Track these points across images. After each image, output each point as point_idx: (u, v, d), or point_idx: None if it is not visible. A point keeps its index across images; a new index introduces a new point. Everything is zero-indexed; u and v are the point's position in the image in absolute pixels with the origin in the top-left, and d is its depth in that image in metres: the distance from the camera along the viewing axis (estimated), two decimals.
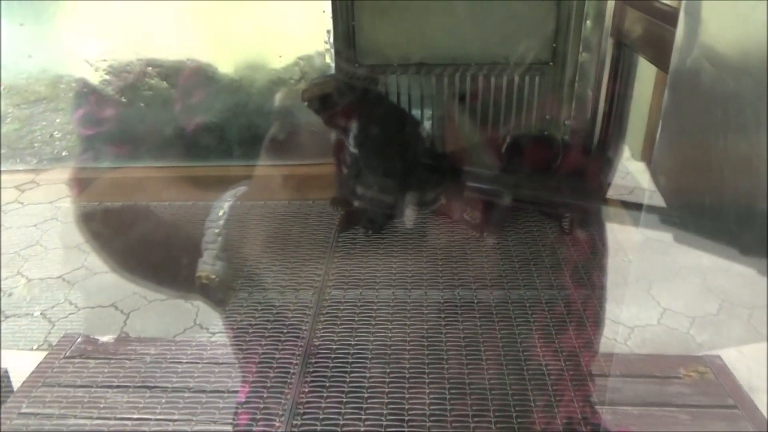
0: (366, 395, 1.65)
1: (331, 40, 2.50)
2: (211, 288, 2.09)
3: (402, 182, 2.38)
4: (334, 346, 1.83)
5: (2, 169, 2.93)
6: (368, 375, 1.72)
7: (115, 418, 1.64)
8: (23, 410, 1.68)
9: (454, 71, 2.67)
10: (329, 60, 2.53)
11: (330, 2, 2.44)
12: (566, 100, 2.70)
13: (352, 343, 1.85)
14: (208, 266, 2.10)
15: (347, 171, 2.41)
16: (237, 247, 2.36)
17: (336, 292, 2.09)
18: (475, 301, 2.02)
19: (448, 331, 1.88)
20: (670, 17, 1.80)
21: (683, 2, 1.50)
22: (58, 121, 2.73)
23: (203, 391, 1.72)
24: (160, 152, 2.70)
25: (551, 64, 2.68)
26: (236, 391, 1.71)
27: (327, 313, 1.99)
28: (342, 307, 2.01)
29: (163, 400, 1.69)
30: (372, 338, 1.87)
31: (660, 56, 1.93)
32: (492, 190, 2.37)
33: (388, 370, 1.74)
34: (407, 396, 1.64)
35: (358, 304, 2.03)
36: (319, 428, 1.57)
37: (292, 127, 2.63)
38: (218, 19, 2.48)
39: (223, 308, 2.09)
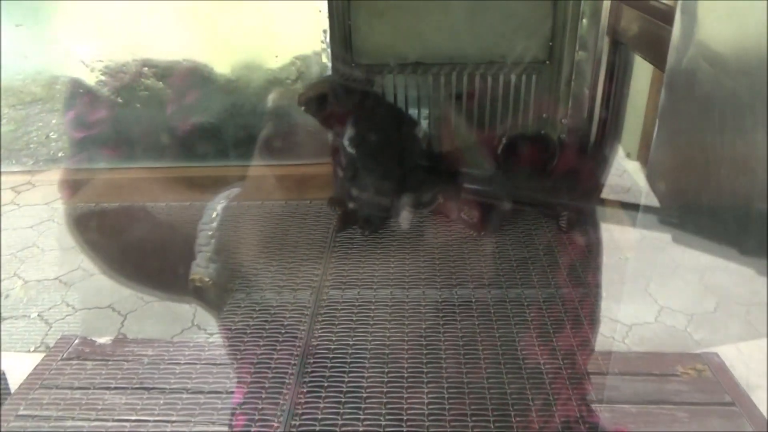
0: (364, 395, 1.65)
1: (328, 39, 2.50)
2: (205, 291, 2.08)
3: (399, 183, 2.37)
4: (332, 347, 1.83)
5: (1, 170, 2.92)
6: (366, 375, 1.72)
7: (113, 420, 1.63)
8: (21, 412, 1.67)
9: (451, 71, 2.67)
10: (326, 60, 2.53)
11: (326, 2, 2.44)
12: (563, 99, 2.70)
13: (350, 343, 1.85)
14: (201, 269, 2.08)
15: (343, 173, 2.40)
16: (234, 248, 2.36)
17: (334, 292, 2.09)
18: (473, 300, 2.02)
19: (446, 330, 1.88)
20: (666, 16, 1.81)
21: (680, 1, 1.50)
22: (53, 122, 2.72)
23: (201, 392, 1.72)
24: (156, 153, 2.69)
25: (548, 63, 2.68)
26: (234, 392, 1.71)
27: (325, 313, 1.98)
28: (340, 308, 2.01)
29: (161, 402, 1.69)
30: (370, 338, 1.86)
31: (656, 55, 1.93)
32: (488, 190, 2.37)
33: (386, 370, 1.73)
34: (406, 396, 1.64)
35: (356, 304, 2.03)
36: (317, 429, 1.56)
37: (288, 127, 2.62)
38: (214, 19, 2.48)
39: (218, 311, 2.08)
